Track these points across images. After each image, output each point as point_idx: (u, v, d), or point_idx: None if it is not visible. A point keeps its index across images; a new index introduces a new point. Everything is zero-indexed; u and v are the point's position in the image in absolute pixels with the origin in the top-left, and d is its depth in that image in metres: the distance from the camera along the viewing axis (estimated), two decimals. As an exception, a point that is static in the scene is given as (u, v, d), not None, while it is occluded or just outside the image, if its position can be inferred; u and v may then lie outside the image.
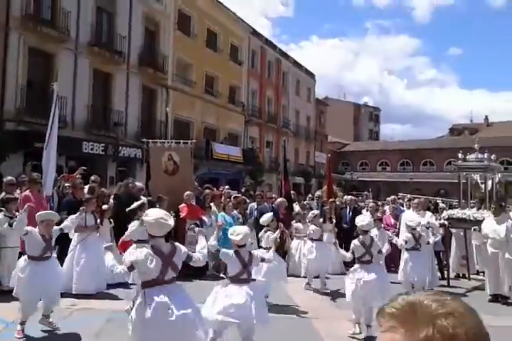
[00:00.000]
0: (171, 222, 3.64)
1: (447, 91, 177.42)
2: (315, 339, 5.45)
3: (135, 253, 3.62)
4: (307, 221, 8.35)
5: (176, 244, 3.70)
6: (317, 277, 8.25)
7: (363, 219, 6.09)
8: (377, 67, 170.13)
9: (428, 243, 7.76)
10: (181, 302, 3.48)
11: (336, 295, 7.70)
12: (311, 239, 8.24)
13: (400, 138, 62.68)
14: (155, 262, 3.52)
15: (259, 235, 7.19)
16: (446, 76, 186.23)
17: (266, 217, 6.83)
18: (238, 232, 4.52)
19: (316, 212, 8.66)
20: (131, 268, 3.62)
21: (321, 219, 9.67)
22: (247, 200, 10.08)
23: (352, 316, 6.08)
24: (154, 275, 3.52)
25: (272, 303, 6.69)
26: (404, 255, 7.39)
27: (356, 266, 5.88)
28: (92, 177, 8.52)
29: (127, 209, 6.10)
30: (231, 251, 4.54)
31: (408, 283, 7.10)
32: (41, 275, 4.83)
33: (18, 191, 7.43)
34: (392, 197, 12.06)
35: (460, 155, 9.70)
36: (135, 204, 5.69)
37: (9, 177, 7.70)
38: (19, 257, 6.56)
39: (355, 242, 5.98)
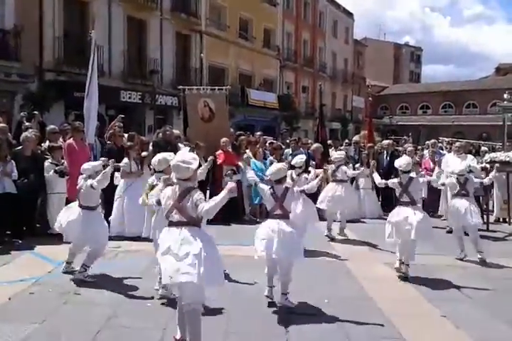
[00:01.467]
0: (193, 166, 3.60)
1: (495, 28, 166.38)
2: (350, 280, 5.61)
3: (164, 191, 3.82)
4: (334, 162, 8.21)
5: (195, 189, 3.63)
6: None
7: (402, 160, 6.05)
8: (418, 4, 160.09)
9: (481, 183, 7.44)
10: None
11: (371, 239, 7.81)
12: (338, 181, 8.04)
13: (442, 79, 60.06)
14: (166, 201, 3.68)
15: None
16: (494, 12, 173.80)
17: (298, 159, 6.59)
18: (271, 169, 4.79)
19: (343, 153, 8.56)
20: (159, 202, 3.89)
21: (358, 164, 9.64)
22: (283, 146, 10.09)
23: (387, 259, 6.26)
24: (164, 214, 3.71)
25: (306, 247, 6.90)
26: (452, 201, 7.05)
27: (396, 209, 5.92)
28: (117, 124, 8.62)
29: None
30: (267, 187, 4.74)
31: (459, 229, 6.86)
32: (94, 223, 5.11)
33: (61, 139, 7.68)
34: (432, 140, 11.78)
35: (506, 96, 9.31)
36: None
37: (52, 126, 7.96)
38: (66, 203, 6.96)
39: (393, 180, 6.00)
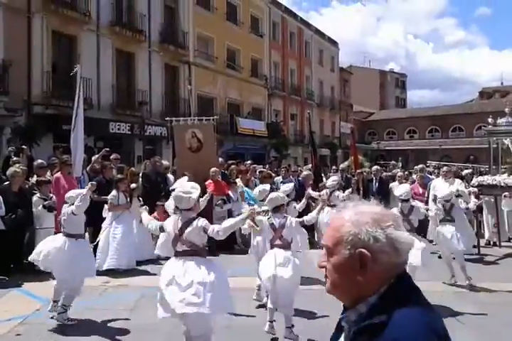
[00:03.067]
0: (194, 195, 3.62)
1: (477, 53, 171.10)
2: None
3: (168, 219, 3.83)
4: (328, 188, 8.25)
5: (198, 218, 3.66)
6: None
7: (402, 189, 6.09)
8: (401, 31, 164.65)
9: (467, 209, 7.49)
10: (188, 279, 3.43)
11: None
12: (332, 206, 8.06)
13: (428, 104, 61.23)
14: (171, 229, 3.67)
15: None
16: (476, 37, 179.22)
17: (285, 187, 6.52)
18: (270, 197, 4.71)
19: (336, 178, 8.61)
20: (161, 229, 3.82)
21: (349, 190, 9.66)
22: (273, 174, 10.12)
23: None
24: (172, 244, 3.69)
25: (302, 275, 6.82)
26: (438, 227, 7.06)
27: None
28: (113, 156, 8.65)
29: (171, 188, 6.05)
30: (265, 218, 4.69)
31: (448, 255, 6.88)
32: (80, 252, 4.92)
33: (48, 173, 7.65)
34: (420, 165, 11.90)
35: (490, 120, 9.48)
36: (177, 183, 5.66)
37: (39, 161, 7.94)
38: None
39: (394, 210, 5.98)
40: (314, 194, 8.58)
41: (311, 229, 9.56)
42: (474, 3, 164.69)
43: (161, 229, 3.85)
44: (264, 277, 4.41)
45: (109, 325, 4.82)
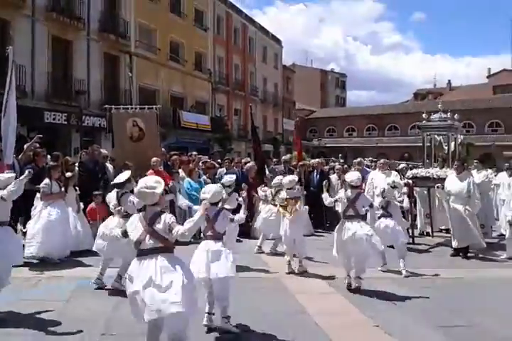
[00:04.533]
0: (158, 190, 3.49)
1: (411, 56, 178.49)
2: (284, 295, 5.59)
3: (130, 220, 3.64)
4: (273, 187, 8.16)
5: (165, 213, 3.55)
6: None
7: (353, 174, 6.16)
8: (342, 33, 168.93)
9: (402, 208, 7.65)
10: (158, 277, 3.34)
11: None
12: (274, 204, 7.90)
13: (366, 104, 63.30)
14: (134, 230, 3.53)
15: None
16: (411, 41, 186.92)
17: (228, 178, 6.57)
18: (208, 190, 4.57)
19: (281, 177, 8.48)
20: (125, 233, 3.65)
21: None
22: (216, 165, 10.05)
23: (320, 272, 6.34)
24: (133, 243, 3.54)
25: (241, 264, 6.82)
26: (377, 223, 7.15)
27: (341, 224, 5.99)
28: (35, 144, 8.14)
29: (113, 183, 5.74)
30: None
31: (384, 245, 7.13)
32: (5, 239, 4.61)
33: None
34: (358, 159, 12.24)
35: (424, 115, 9.88)
36: (122, 178, 5.36)
37: (-33, 146, 7.41)
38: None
39: (340, 194, 6.08)
40: (260, 194, 8.74)
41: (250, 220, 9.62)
42: (411, 7, 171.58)
43: (124, 234, 3.66)
44: (197, 274, 4.22)
45: (42, 316, 4.57)
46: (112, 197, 5.52)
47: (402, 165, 11.73)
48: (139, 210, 3.75)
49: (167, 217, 3.47)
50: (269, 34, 42.06)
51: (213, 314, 4.44)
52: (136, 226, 3.54)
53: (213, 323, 4.40)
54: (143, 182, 3.56)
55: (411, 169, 10.95)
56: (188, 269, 3.62)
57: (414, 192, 10.16)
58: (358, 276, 5.85)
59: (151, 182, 3.54)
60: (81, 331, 4.19)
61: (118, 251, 5.15)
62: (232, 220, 4.85)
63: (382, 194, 7.14)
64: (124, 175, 5.43)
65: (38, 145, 7.99)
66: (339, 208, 6.23)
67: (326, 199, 6.30)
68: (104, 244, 5.51)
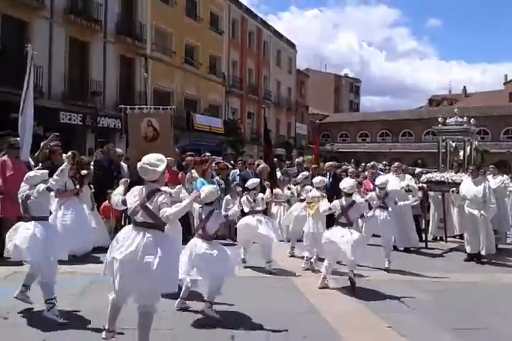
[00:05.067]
0: (159, 168, 3.58)
1: (426, 62, 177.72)
2: (296, 295, 5.58)
3: (131, 190, 3.76)
4: (298, 182, 8.26)
5: (163, 190, 3.64)
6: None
7: (347, 182, 6.17)
8: (356, 39, 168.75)
9: (395, 203, 7.78)
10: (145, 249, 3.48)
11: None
12: (302, 200, 7.94)
13: (379, 109, 62.95)
14: (132, 200, 3.63)
15: (242, 200, 7.27)
16: (426, 47, 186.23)
17: (251, 182, 7.03)
18: (204, 191, 4.73)
19: (306, 173, 8.55)
20: (124, 202, 3.74)
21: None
22: (229, 166, 10.08)
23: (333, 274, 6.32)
24: (129, 213, 3.68)
25: (252, 265, 6.85)
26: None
27: (332, 229, 6.00)
28: (54, 142, 8.21)
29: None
30: (198, 206, 4.82)
31: (368, 238, 7.36)
32: (52, 234, 4.60)
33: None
34: (372, 162, 12.18)
35: (440, 119, 9.82)
36: None
37: (-14, 143, 7.51)
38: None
39: (335, 202, 6.09)
40: (286, 192, 8.86)
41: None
42: (426, 13, 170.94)
43: (124, 202, 3.74)
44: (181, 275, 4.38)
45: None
46: (119, 191, 5.52)
47: (418, 170, 11.65)
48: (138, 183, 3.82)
49: (160, 197, 3.55)
50: (283, 38, 42.16)
51: (185, 299, 4.69)
52: (134, 196, 3.64)
53: (186, 305, 4.69)
54: (146, 159, 3.65)
55: (426, 174, 10.87)
56: (173, 248, 3.71)
57: (429, 197, 10.10)
58: (351, 270, 5.84)
59: (154, 160, 3.61)
60: (92, 324, 4.22)
61: None
62: (226, 216, 4.97)
63: (380, 185, 7.45)
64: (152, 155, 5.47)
65: (59, 142, 8.01)
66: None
67: (321, 211, 6.34)
68: None
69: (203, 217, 4.69)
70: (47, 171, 4.84)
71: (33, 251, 4.34)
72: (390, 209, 7.56)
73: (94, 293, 5.23)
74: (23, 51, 17.08)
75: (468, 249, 8.10)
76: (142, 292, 3.48)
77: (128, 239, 3.52)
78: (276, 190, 9.57)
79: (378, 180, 7.60)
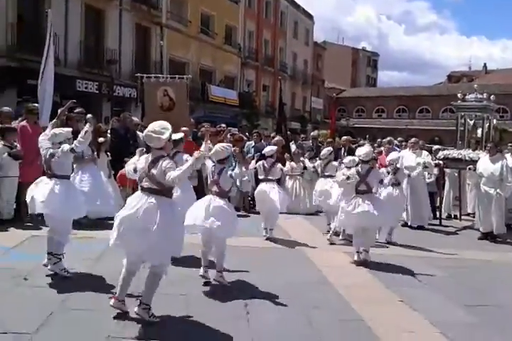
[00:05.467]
0: (164, 136, 3.62)
1: (446, 37, 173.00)
2: (309, 267, 5.63)
3: (141, 158, 3.83)
4: (322, 158, 8.10)
5: (164, 158, 3.66)
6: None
7: (363, 149, 6.16)
8: (375, 11, 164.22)
9: (409, 176, 7.89)
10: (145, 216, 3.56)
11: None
12: (326, 176, 7.82)
13: (397, 85, 61.80)
14: (140, 167, 3.72)
15: (258, 165, 7.43)
16: (446, 22, 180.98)
17: (270, 148, 7.14)
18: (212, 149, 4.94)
19: (330, 148, 8.37)
20: (135, 170, 3.82)
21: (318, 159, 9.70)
22: (244, 138, 10.04)
23: (346, 248, 6.36)
24: (138, 179, 3.77)
25: (269, 236, 6.91)
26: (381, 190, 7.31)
27: (352, 198, 5.96)
28: (78, 110, 8.25)
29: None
30: (211, 163, 4.92)
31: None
32: (73, 192, 4.77)
33: (16, 122, 7.29)
34: (388, 138, 12.03)
35: (459, 95, 9.63)
36: (177, 136, 5.45)
37: (6, 108, 7.55)
38: (18, 187, 6.64)
39: (352, 170, 6.06)
40: (308, 166, 8.89)
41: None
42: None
43: (135, 170, 3.82)
44: (193, 221, 4.56)
45: (72, 272, 4.72)
46: (132, 161, 5.58)
47: (436, 147, 11.49)
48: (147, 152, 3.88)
49: (165, 162, 3.60)
50: (300, 8, 41.15)
51: (208, 267, 4.69)
52: (142, 164, 3.73)
53: (208, 275, 4.68)
54: (151, 126, 3.71)
55: (443, 151, 10.73)
56: (175, 213, 3.77)
57: (445, 174, 10.01)
58: (366, 250, 5.84)
59: (158, 128, 3.67)
60: (108, 288, 4.31)
61: None
62: (231, 176, 4.97)
63: (392, 161, 7.37)
64: (178, 135, 5.53)
65: (83, 109, 7.99)
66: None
67: (339, 176, 6.21)
68: None
69: (216, 173, 4.78)
70: (70, 129, 4.91)
71: (48, 204, 4.46)
72: (401, 185, 7.57)
73: (111, 257, 5.33)
74: (39, 19, 17.05)
75: (481, 227, 8.08)
76: (144, 252, 3.59)
77: (133, 202, 3.66)
78: (291, 164, 9.57)
79: (390, 156, 7.53)
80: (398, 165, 7.55)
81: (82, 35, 19.24)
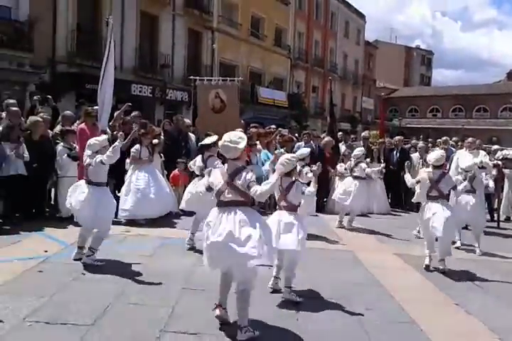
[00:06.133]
0: (240, 145, 3.54)
1: (506, 33, 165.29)
2: (359, 269, 5.55)
3: (212, 174, 3.75)
4: (354, 158, 8.15)
5: (246, 169, 3.59)
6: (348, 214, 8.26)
7: (434, 154, 5.93)
8: (429, 8, 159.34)
9: (487, 186, 7.40)
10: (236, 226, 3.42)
11: (380, 233, 7.78)
12: (355, 177, 8.03)
13: (452, 84, 59.62)
14: (218, 181, 3.62)
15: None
16: (507, 17, 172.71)
17: (302, 151, 6.54)
18: (282, 159, 4.47)
19: (363, 149, 8.42)
20: (209, 188, 3.79)
21: (368, 159, 9.56)
22: (294, 139, 10.05)
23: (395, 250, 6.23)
24: (215, 193, 3.66)
25: (316, 235, 6.87)
26: (459, 198, 6.97)
27: (426, 204, 5.80)
28: (134, 113, 8.58)
29: (200, 144, 6.05)
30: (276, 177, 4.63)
31: (459, 227, 6.79)
32: (104, 199, 5.02)
33: (75, 124, 7.66)
34: (444, 138, 11.71)
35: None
36: (209, 140, 5.61)
37: (68, 112, 7.94)
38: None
39: (422, 175, 5.89)
40: (339, 169, 8.71)
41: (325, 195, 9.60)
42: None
43: (209, 189, 3.81)
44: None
45: (126, 268, 4.91)
46: (197, 160, 5.80)
47: (495, 147, 11.03)
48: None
49: (248, 175, 3.52)
50: (351, 8, 40.67)
51: (279, 278, 4.55)
52: (217, 177, 3.63)
53: (278, 286, 4.52)
54: (227, 136, 3.60)
55: (502, 151, 10.29)
56: (266, 223, 3.69)
57: (504, 176, 9.59)
58: (442, 259, 5.61)
59: (235, 138, 3.57)
60: (161, 284, 4.45)
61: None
62: (302, 193, 4.72)
63: (467, 168, 6.90)
64: (211, 139, 5.62)
65: (139, 113, 8.28)
66: (418, 189, 6.03)
67: (409, 180, 6.09)
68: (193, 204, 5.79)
69: (284, 187, 4.49)
70: (106, 137, 5.19)
71: (83, 212, 4.92)
72: (477, 192, 6.99)
73: (164, 254, 5.53)
74: (97, 26, 17.82)
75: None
76: (245, 271, 3.49)
77: (222, 221, 3.48)
78: (341, 165, 9.47)
79: (464, 164, 7.08)
80: (474, 173, 6.98)
81: (137, 41, 19.92)
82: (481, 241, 6.74)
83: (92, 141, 5.10)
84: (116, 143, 4.96)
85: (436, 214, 5.55)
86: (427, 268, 5.66)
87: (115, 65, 17.69)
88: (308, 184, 5.17)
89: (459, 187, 6.56)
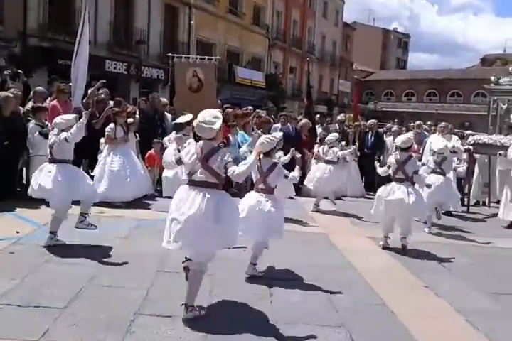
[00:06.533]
0: (216, 126, 3.44)
1: (481, 18, 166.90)
2: (332, 252, 5.64)
3: (186, 148, 3.64)
4: (327, 143, 8.18)
5: (222, 149, 3.53)
6: (326, 198, 8.38)
7: (403, 137, 6.07)
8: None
9: (454, 169, 7.63)
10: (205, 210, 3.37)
11: (354, 216, 7.90)
12: (327, 161, 8.09)
13: (427, 68, 60.13)
14: (189, 158, 3.53)
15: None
16: (482, 1, 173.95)
17: (275, 135, 6.50)
18: (259, 140, 4.50)
19: (337, 134, 8.47)
20: (179, 161, 3.66)
21: (343, 142, 9.62)
22: (271, 121, 9.99)
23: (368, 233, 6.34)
24: (186, 172, 3.60)
25: (290, 218, 6.91)
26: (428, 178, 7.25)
27: (389, 185, 5.89)
28: (101, 91, 8.33)
29: (174, 122, 5.94)
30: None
31: (430, 206, 7.01)
32: (73, 174, 4.91)
33: (47, 101, 7.44)
34: (418, 122, 11.86)
35: (493, 78, 9.36)
36: (183, 119, 5.49)
37: (40, 88, 7.68)
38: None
39: (390, 158, 6.03)
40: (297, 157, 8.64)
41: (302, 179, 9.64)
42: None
43: (179, 162, 3.67)
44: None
45: (101, 249, 4.86)
46: (172, 137, 5.72)
47: (468, 132, 11.26)
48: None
49: (226, 156, 3.46)
50: (331, -12, 40.29)
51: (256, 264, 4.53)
52: (192, 155, 3.52)
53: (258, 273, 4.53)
54: (201, 116, 3.49)
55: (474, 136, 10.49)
56: (236, 206, 3.70)
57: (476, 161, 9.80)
58: (404, 236, 5.78)
59: (209, 117, 3.47)
60: (136, 266, 4.43)
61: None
62: (286, 177, 4.76)
63: (440, 151, 7.10)
64: (186, 117, 5.52)
65: (107, 90, 8.08)
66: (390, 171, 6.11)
67: (381, 171, 6.11)
68: None
69: (264, 169, 4.45)
70: (73, 117, 5.05)
71: (55, 192, 4.77)
72: (447, 175, 7.29)
73: (139, 236, 5.49)
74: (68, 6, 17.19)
75: (507, 215, 7.90)
76: (200, 252, 3.50)
77: (187, 200, 3.42)
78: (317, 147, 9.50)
79: (436, 146, 7.23)
80: (446, 155, 7.26)
81: (112, 14, 19.32)
82: (451, 224, 6.94)
83: (57, 119, 4.95)
84: (81, 120, 4.85)
85: (403, 198, 5.63)
86: (384, 248, 5.82)
87: (89, 40, 17.26)
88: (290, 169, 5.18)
89: (421, 171, 6.69)
